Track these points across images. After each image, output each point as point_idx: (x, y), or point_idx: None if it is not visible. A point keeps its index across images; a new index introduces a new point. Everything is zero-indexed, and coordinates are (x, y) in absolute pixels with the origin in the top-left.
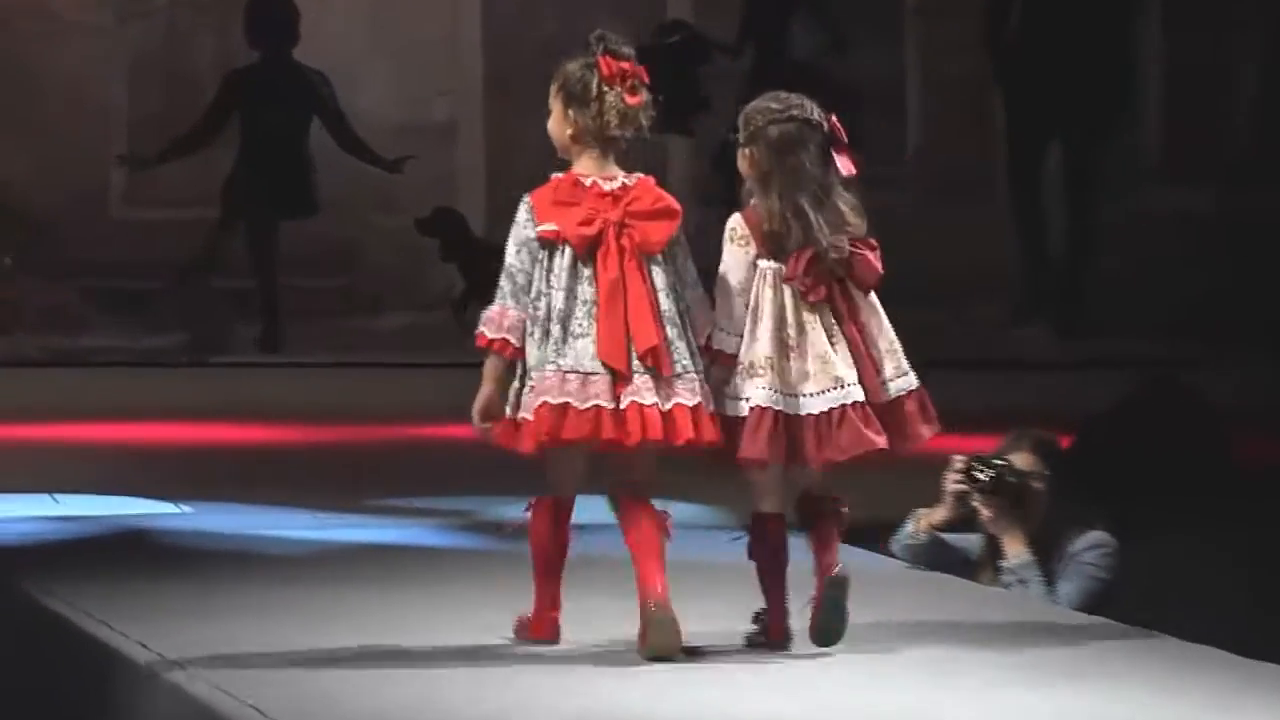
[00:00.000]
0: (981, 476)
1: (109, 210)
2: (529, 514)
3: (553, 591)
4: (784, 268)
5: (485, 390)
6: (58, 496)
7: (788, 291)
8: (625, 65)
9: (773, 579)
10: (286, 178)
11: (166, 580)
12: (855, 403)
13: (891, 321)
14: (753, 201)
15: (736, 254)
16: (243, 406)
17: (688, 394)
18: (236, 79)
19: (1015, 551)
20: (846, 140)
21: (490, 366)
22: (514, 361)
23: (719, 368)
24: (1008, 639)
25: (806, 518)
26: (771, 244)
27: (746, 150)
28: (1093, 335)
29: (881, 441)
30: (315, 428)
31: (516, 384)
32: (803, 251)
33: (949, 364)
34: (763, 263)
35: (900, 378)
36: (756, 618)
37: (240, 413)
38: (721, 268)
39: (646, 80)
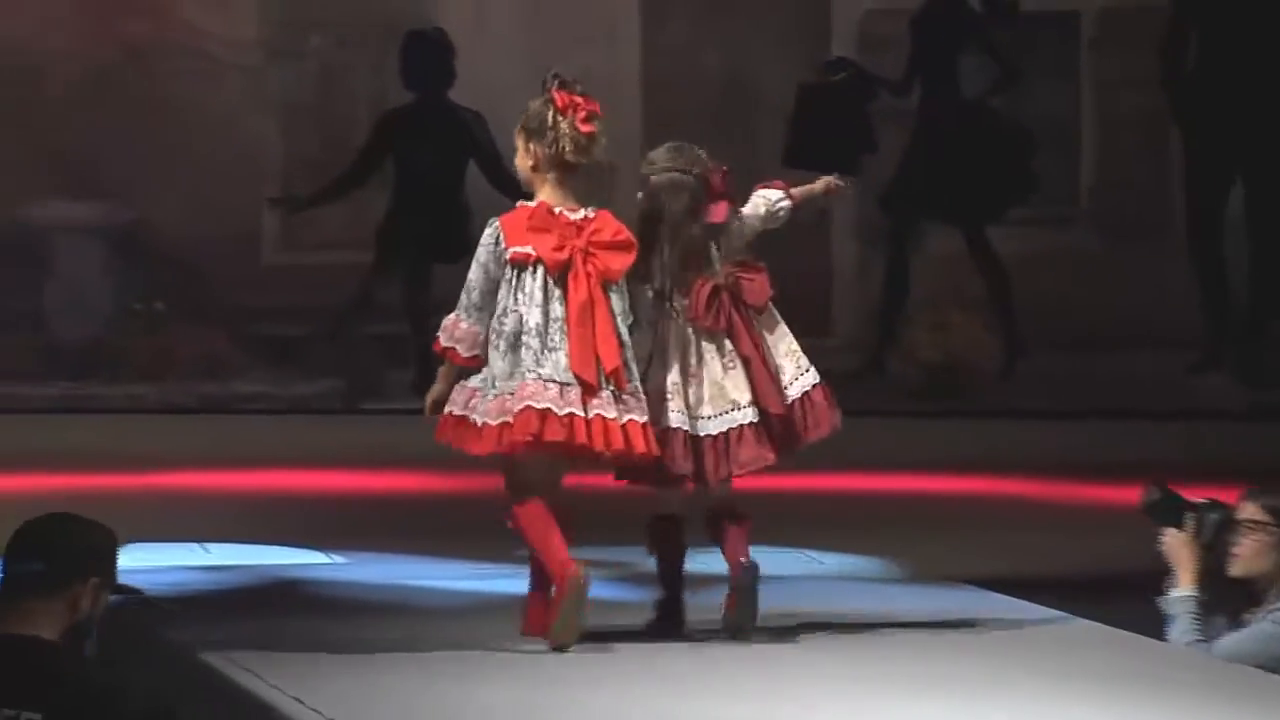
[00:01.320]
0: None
1: (261, 255)
2: (513, 525)
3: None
4: (687, 303)
5: (436, 388)
6: (208, 545)
7: (689, 325)
8: (577, 98)
9: (672, 572)
10: (441, 221)
11: (319, 632)
12: (750, 423)
13: (1065, 368)
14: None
15: (641, 291)
16: (396, 454)
17: (639, 411)
18: (391, 120)
19: (1184, 583)
20: (724, 190)
21: (443, 369)
22: (462, 368)
23: None
24: None
25: (715, 529)
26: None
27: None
28: (1277, 384)
29: (772, 458)
30: (470, 476)
31: (472, 388)
32: (701, 288)
33: (1123, 413)
34: (667, 299)
35: (802, 375)
36: (658, 605)
37: (393, 460)
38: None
39: (599, 112)
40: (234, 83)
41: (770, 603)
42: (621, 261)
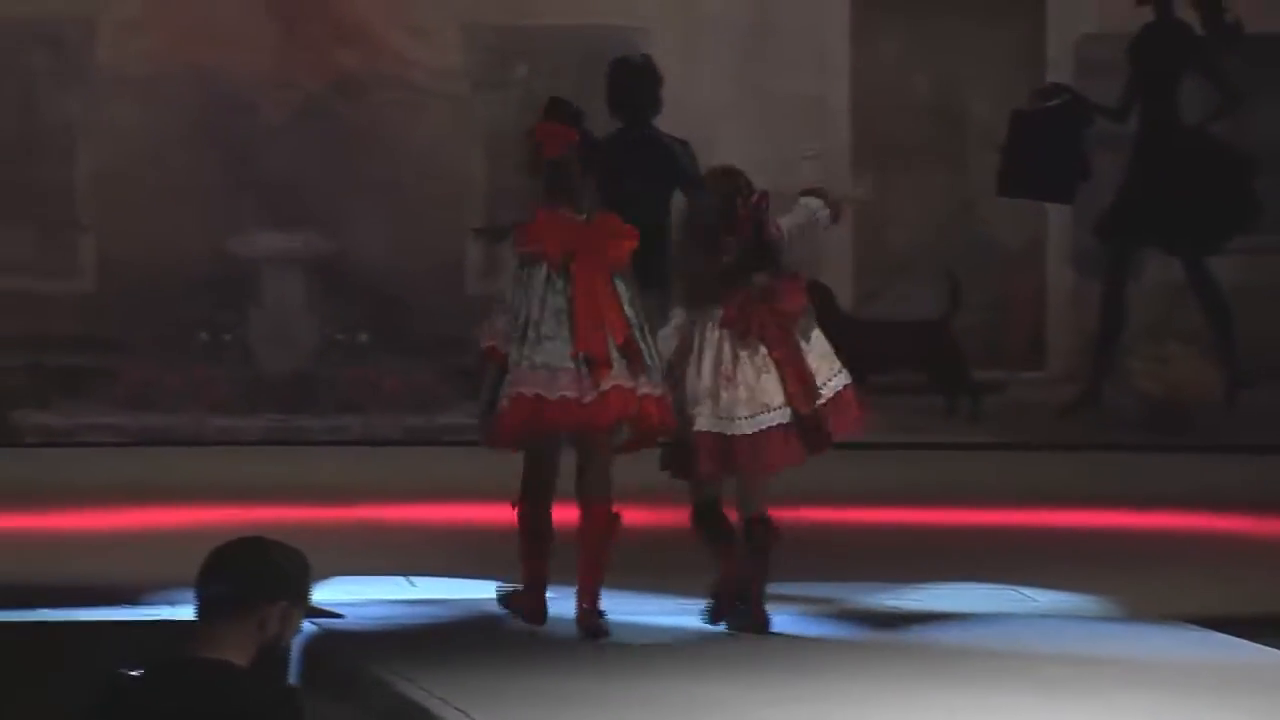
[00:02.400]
0: None
1: (465, 285)
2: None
3: (537, 572)
4: (722, 312)
5: (484, 391)
6: (413, 579)
7: (726, 332)
8: (556, 126)
9: (727, 552)
10: (645, 251)
11: (524, 666)
12: (780, 424)
13: None
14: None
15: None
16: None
17: (652, 387)
18: (596, 149)
19: None
20: (761, 210)
21: (488, 371)
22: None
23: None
24: None
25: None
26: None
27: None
28: None
29: (802, 458)
30: (675, 509)
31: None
32: (736, 297)
33: None
34: (701, 310)
35: (835, 377)
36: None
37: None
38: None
39: (572, 138)
40: (439, 112)
41: (986, 640)
42: (624, 249)
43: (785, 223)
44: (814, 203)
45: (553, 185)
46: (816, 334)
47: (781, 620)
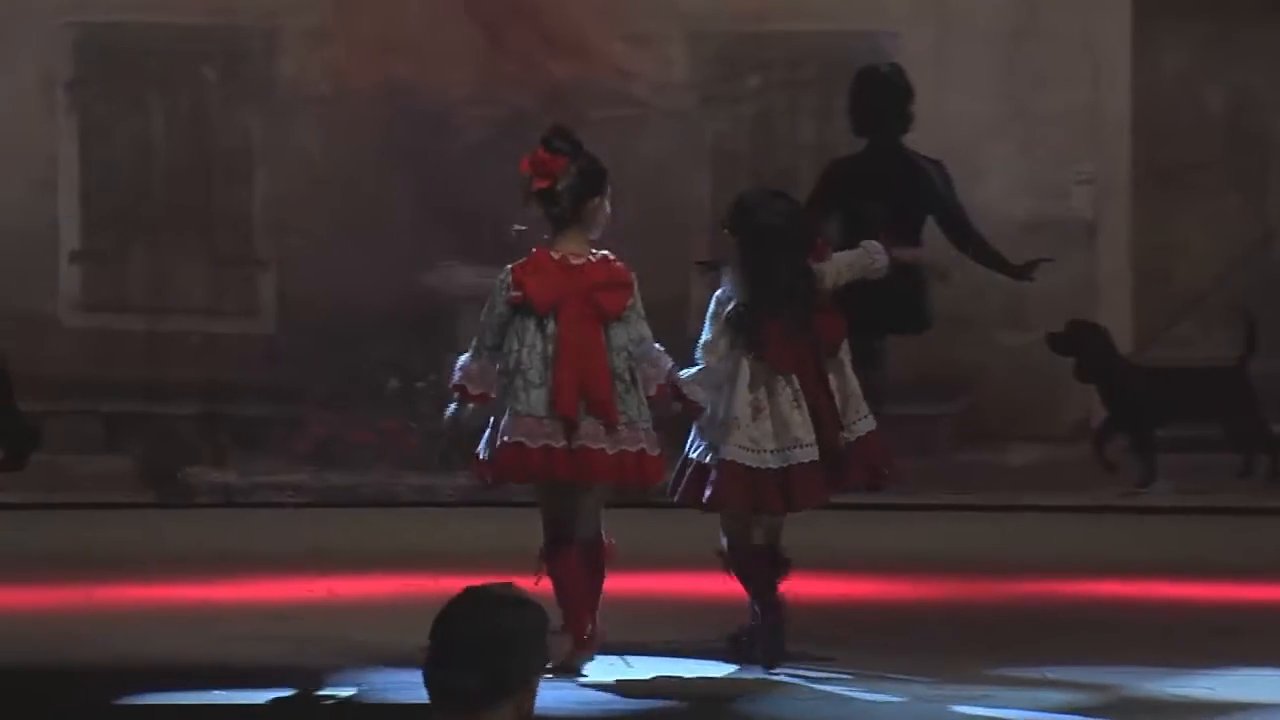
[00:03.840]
0: None
1: (687, 325)
2: (547, 564)
3: (590, 616)
4: (763, 341)
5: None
6: (629, 658)
7: (763, 362)
8: (545, 156)
9: (763, 602)
10: (895, 285)
11: None
12: (809, 461)
13: None
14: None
15: (720, 323)
16: (840, 553)
17: (632, 441)
18: (839, 170)
19: None
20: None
21: (461, 408)
22: (483, 403)
23: (687, 412)
24: None
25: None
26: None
27: (734, 238)
28: None
29: (826, 497)
30: (927, 579)
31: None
32: (778, 328)
33: None
34: (739, 335)
35: (861, 420)
36: (737, 637)
37: (838, 561)
38: (708, 335)
39: (558, 167)
40: (662, 130)
41: None
42: (617, 300)
43: (840, 258)
44: (874, 246)
45: (548, 218)
46: (849, 372)
47: (1055, 696)
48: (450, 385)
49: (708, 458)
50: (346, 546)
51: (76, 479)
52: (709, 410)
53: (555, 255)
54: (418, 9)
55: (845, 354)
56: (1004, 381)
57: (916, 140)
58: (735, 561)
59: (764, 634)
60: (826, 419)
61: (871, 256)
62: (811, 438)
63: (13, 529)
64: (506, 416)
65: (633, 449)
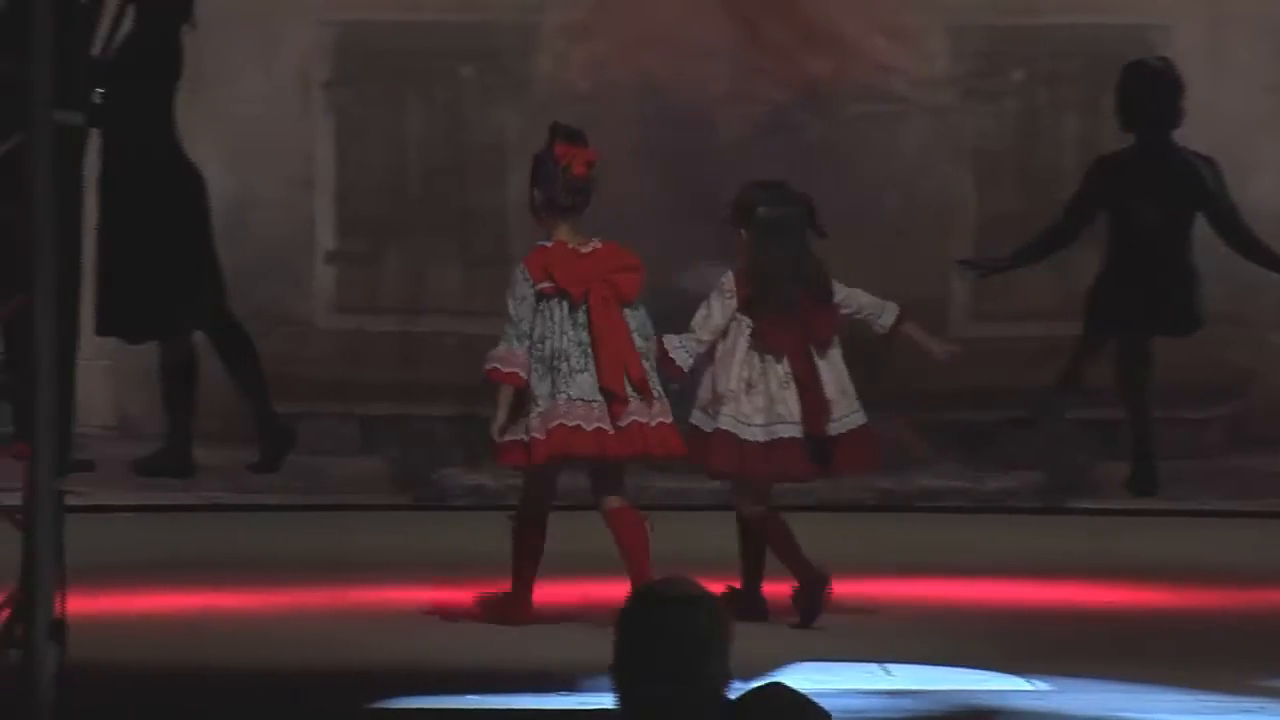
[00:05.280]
0: None
1: (949, 326)
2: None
3: (530, 582)
4: (754, 323)
5: (500, 415)
6: (889, 667)
7: (757, 343)
8: (576, 148)
9: (752, 567)
10: (1164, 286)
11: None
12: (789, 437)
13: None
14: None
15: (723, 303)
16: (1110, 562)
17: (664, 415)
18: (1105, 167)
19: None
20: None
21: (504, 395)
22: (522, 391)
23: (666, 372)
24: None
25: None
26: (750, 303)
27: (740, 231)
28: None
29: (806, 472)
30: (1197, 589)
31: (528, 411)
32: (772, 316)
33: None
34: (741, 315)
35: (850, 415)
36: (730, 597)
37: (1107, 569)
38: (705, 310)
39: (590, 159)
40: (922, 126)
41: None
42: (634, 284)
43: (857, 294)
44: (892, 308)
45: (572, 206)
46: (841, 370)
47: None
48: (495, 376)
49: (704, 425)
50: (603, 549)
51: (331, 480)
52: (689, 379)
53: (569, 245)
54: (677, 3)
55: (837, 349)
56: (1278, 384)
57: (1186, 136)
58: (751, 526)
59: (802, 595)
60: (812, 405)
61: (882, 310)
62: (796, 417)
63: (268, 530)
64: (550, 403)
65: (667, 420)
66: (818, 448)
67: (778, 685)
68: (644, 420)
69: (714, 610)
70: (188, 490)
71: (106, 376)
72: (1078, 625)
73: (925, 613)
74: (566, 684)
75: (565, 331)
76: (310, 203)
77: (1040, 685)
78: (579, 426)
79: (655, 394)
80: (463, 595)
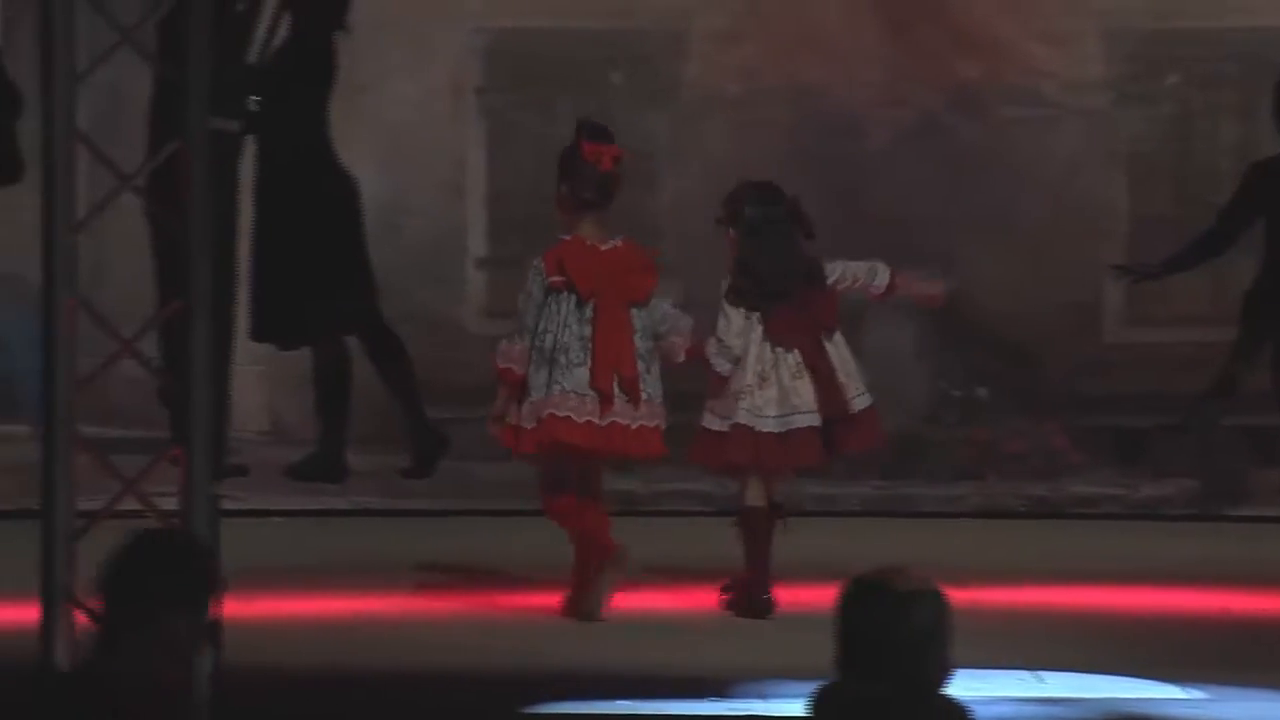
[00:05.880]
0: None
1: (1102, 332)
2: (552, 507)
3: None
4: (762, 317)
5: (497, 404)
6: (1043, 674)
7: (768, 337)
8: (602, 146)
9: (757, 557)
10: None
11: None
12: (806, 426)
13: None
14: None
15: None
16: (1266, 569)
17: (649, 417)
18: (1261, 173)
19: None
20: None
21: (503, 387)
22: (519, 383)
23: (712, 385)
24: None
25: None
26: (737, 294)
27: (729, 230)
28: None
29: (819, 459)
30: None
31: (521, 400)
32: (782, 308)
33: None
34: (750, 313)
35: (859, 395)
36: (727, 587)
37: (1263, 577)
38: (724, 319)
39: (617, 155)
40: (1074, 130)
41: None
42: (644, 285)
43: (849, 265)
44: (882, 267)
45: (596, 202)
46: (846, 354)
47: None
48: (498, 369)
49: (716, 425)
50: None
51: (482, 486)
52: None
53: (588, 241)
54: (827, 8)
55: (839, 335)
56: None
57: None
58: (743, 519)
59: (751, 587)
60: (828, 386)
61: (874, 273)
62: (812, 405)
63: (420, 535)
64: (546, 392)
65: (650, 424)
66: (834, 431)
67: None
68: (625, 422)
69: (937, 604)
70: (340, 495)
71: (260, 382)
72: (1234, 633)
73: (1078, 619)
74: (718, 690)
75: (569, 326)
76: (462, 208)
77: (1195, 694)
78: (569, 418)
79: (645, 396)
80: (613, 599)
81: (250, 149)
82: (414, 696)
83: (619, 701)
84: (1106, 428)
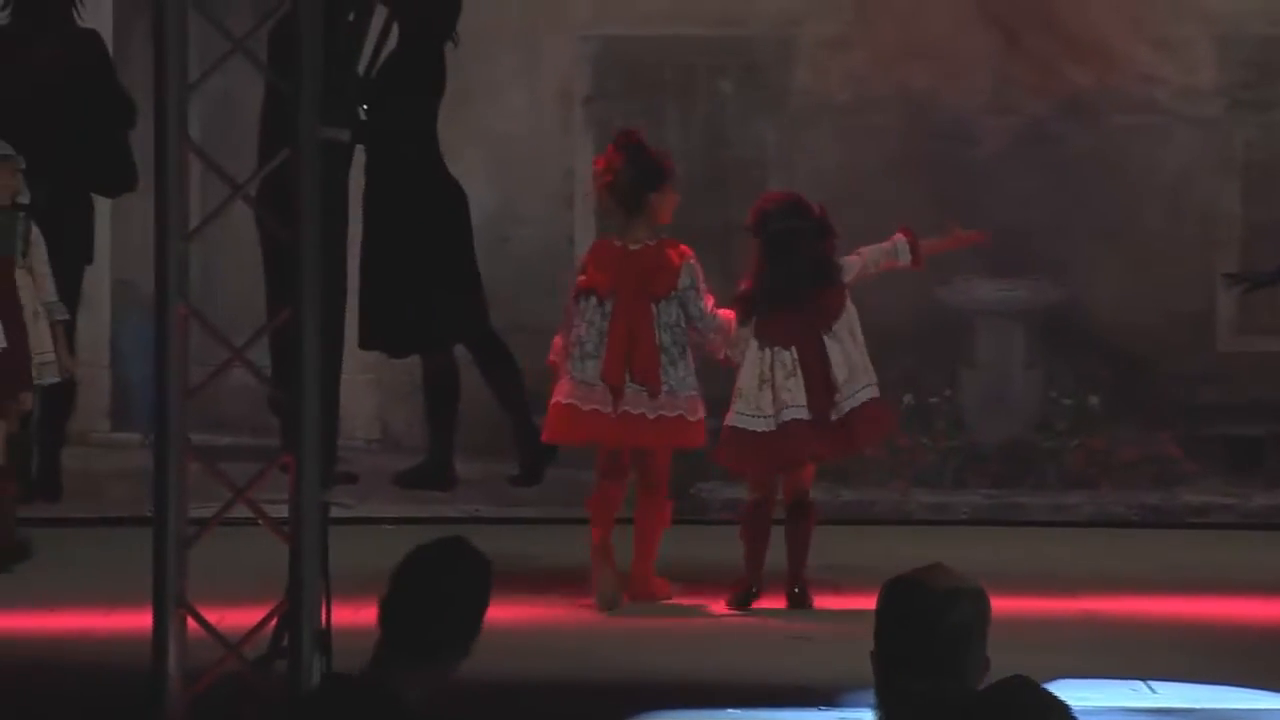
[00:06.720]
0: None
1: (1215, 340)
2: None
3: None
4: (758, 320)
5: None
6: (1154, 685)
7: (764, 339)
8: (605, 156)
9: (749, 554)
10: None
11: None
12: (798, 420)
13: None
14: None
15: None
16: None
17: (671, 407)
18: None
19: None
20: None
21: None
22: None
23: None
24: None
25: (787, 520)
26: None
27: (754, 240)
28: None
29: (820, 451)
30: None
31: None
32: (777, 312)
33: None
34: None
35: (860, 390)
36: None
37: None
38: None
39: (618, 164)
40: (1187, 137)
41: None
42: (664, 280)
43: (869, 251)
44: (901, 240)
45: (612, 207)
46: (852, 348)
47: None
48: (549, 362)
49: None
50: (861, 563)
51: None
52: None
53: (618, 243)
54: (937, 14)
55: (855, 327)
56: None
57: None
58: (743, 517)
59: (739, 582)
60: (819, 388)
61: (896, 251)
62: (802, 400)
63: (529, 543)
64: (562, 381)
65: (671, 414)
66: (828, 427)
67: (1023, 680)
68: (638, 412)
69: (977, 600)
70: (449, 503)
71: (370, 390)
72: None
73: (1190, 629)
74: (828, 698)
75: (592, 321)
76: (570, 218)
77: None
78: (575, 406)
79: (667, 388)
80: (721, 608)
81: (359, 158)
82: (521, 705)
83: (729, 710)
84: (1219, 436)
